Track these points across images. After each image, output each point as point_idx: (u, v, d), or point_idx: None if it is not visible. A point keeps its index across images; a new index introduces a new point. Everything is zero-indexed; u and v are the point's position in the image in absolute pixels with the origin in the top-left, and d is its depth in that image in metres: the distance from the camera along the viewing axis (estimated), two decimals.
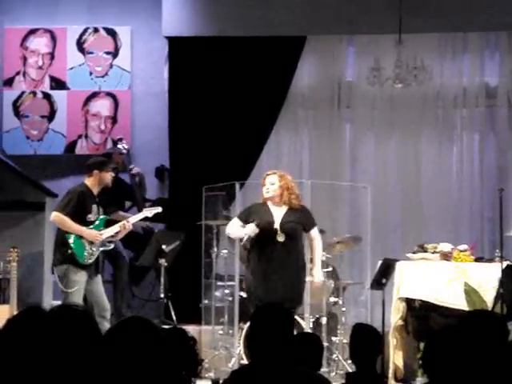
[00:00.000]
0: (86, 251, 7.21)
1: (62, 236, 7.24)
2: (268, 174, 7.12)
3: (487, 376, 2.85)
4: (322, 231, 8.48)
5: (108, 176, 7.41)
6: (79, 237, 7.20)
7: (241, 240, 7.32)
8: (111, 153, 9.43)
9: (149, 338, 2.54)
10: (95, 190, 7.35)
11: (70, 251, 7.15)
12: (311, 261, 7.31)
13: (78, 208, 7.20)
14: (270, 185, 7.05)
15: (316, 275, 7.21)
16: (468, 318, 3.28)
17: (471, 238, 9.03)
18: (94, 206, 7.32)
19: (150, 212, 7.72)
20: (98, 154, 9.02)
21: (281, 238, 6.93)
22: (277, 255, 6.92)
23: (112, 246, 7.49)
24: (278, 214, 7.04)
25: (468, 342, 2.91)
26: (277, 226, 6.97)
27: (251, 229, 6.97)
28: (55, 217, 7.24)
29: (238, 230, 7.12)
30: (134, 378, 2.47)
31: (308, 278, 7.25)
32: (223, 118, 9.46)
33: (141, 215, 7.73)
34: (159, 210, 7.79)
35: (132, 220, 7.59)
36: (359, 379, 4.57)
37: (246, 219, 7.11)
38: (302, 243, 7.26)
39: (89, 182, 7.37)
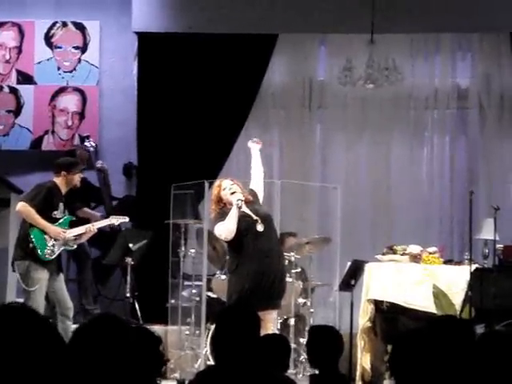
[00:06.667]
0: (47, 247, 7.22)
1: (24, 231, 7.25)
2: (232, 185, 6.99)
3: (453, 379, 2.86)
4: (292, 234, 8.42)
5: (76, 177, 7.49)
6: (42, 232, 7.21)
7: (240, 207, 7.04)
8: (75, 150, 9.33)
9: (115, 337, 2.52)
10: (63, 190, 7.42)
11: (31, 245, 7.16)
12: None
13: (45, 202, 7.23)
14: (239, 189, 7.00)
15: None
16: (435, 322, 3.29)
17: (440, 241, 9.02)
18: (61, 204, 7.38)
19: (116, 220, 7.83)
20: (63, 151, 8.93)
21: (260, 228, 6.85)
22: (261, 246, 6.81)
23: (75, 246, 7.54)
24: (245, 209, 6.95)
25: (435, 345, 2.92)
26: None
27: (236, 197, 6.84)
28: (21, 207, 7.25)
29: (227, 220, 6.86)
30: (99, 377, 2.45)
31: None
32: (193, 115, 9.38)
33: (107, 221, 7.83)
34: (126, 219, 7.91)
35: (97, 225, 7.65)
36: (323, 381, 4.52)
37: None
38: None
39: (57, 180, 7.43)
